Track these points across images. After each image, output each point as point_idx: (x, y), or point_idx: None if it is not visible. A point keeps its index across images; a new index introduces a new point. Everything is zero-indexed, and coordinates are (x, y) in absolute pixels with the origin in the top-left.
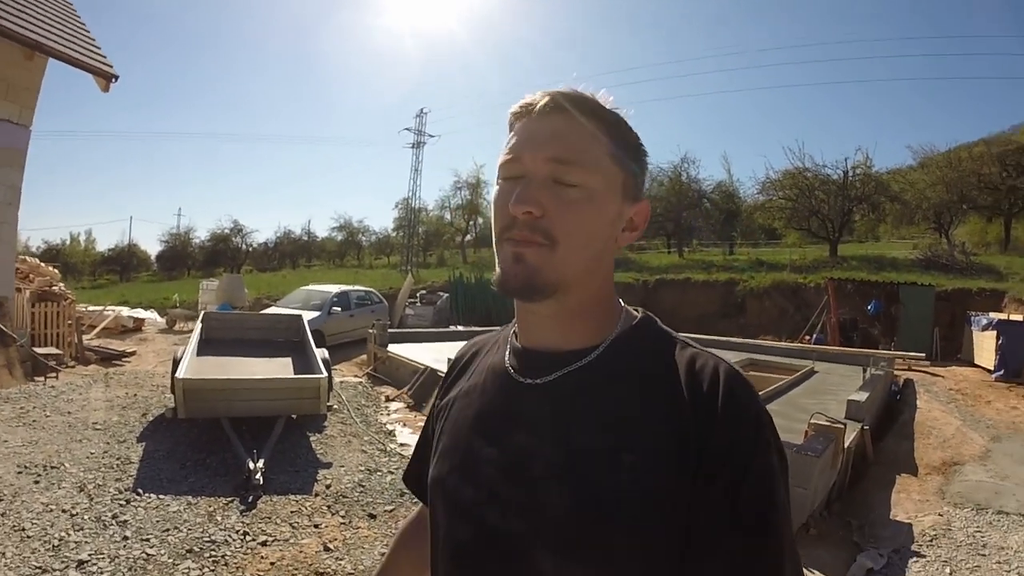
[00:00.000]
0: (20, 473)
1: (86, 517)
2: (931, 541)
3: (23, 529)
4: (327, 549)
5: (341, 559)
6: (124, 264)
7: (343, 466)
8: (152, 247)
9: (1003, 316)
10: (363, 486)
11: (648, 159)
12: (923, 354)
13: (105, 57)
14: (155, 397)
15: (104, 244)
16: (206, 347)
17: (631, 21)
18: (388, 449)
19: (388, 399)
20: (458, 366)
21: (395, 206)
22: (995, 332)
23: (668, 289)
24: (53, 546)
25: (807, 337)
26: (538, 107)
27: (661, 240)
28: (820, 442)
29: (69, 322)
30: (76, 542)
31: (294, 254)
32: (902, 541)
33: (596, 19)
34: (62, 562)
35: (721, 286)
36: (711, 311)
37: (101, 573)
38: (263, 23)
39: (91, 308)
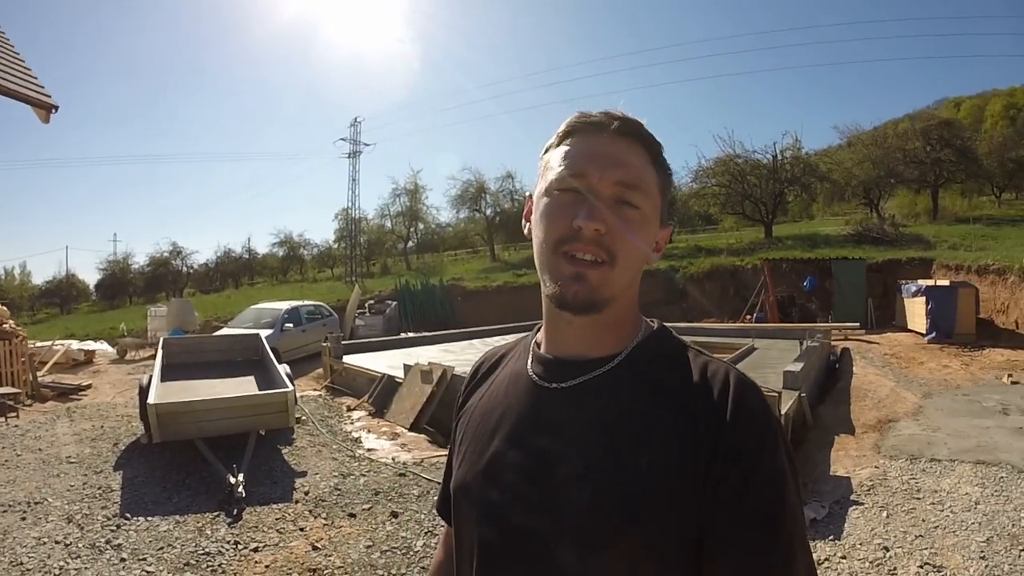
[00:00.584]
0: (5, 511)
1: (80, 545)
2: (869, 490)
3: (21, 564)
4: (315, 548)
5: (330, 555)
6: (63, 296)
7: (317, 473)
8: (91, 276)
9: (930, 282)
10: (339, 489)
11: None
12: (857, 324)
13: (43, 88)
14: (122, 427)
15: (40, 276)
16: (169, 372)
17: (558, 16)
18: (357, 455)
19: (349, 408)
20: (478, 375)
21: (335, 217)
22: (924, 298)
23: None
24: (54, 575)
25: (748, 317)
26: (609, 129)
27: None
28: (734, 366)
29: (22, 359)
30: (76, 569)
31: (236, 273)
32: (842, 493)
33: (520, 17)
34: None
35: (662, 274)
36: (654, 299)
37: None
38: (189, 43)
39: (39, 344)
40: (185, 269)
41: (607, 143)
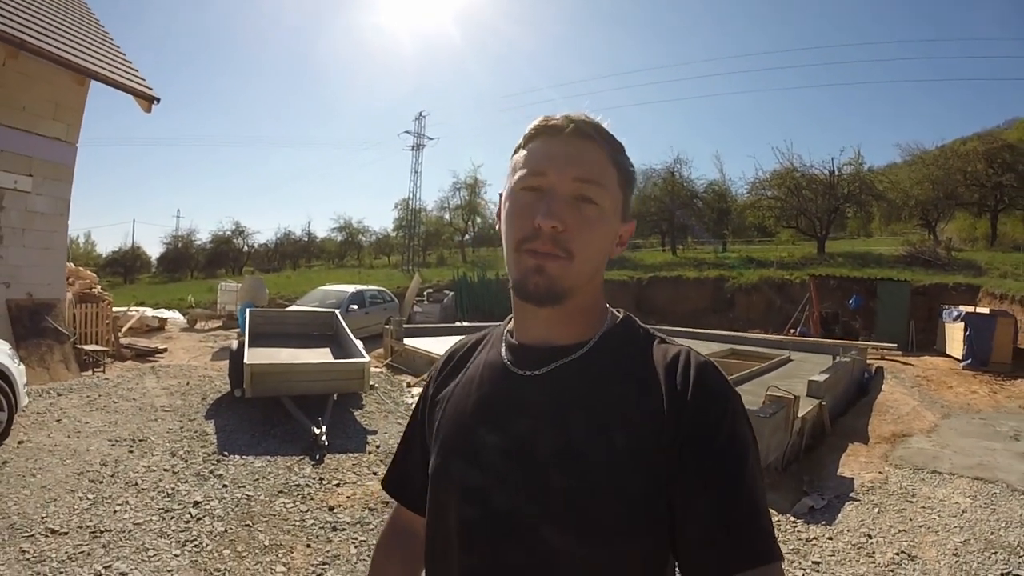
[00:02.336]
0: (114, 445)
1: (187, 473)
2: (868, 491)
3: (136, 484)
4: None
5: None
6: (128, 266)
7: (386, 432)
8: (153, 249)
9: (970, 309)
10: None
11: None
12: (895, 345)
13: (144, 80)
14: (206, 384)
15: (104, 247)
16: (255, 340)
17: (627, 25)
18: None
19: (409, 384)
20: (451, 362)
21: (394, 207)
22: (963, 324)
23: (661, 286)
24: (167, 494)
25: (791, 330)
26: (566, 131)
27: (656, 238)
28: (771, 408)
29: (107, 322)
30: (185, 491)
31: (295, 255)
32: (843, 490)
33: (591, 22)
34: (180, 504)
35: (711, 283)
36: (702, 306)
37: (214, 509)
38: (262, 28)
39: (116, 309)
40: (246, 248)
41: (566, 143)
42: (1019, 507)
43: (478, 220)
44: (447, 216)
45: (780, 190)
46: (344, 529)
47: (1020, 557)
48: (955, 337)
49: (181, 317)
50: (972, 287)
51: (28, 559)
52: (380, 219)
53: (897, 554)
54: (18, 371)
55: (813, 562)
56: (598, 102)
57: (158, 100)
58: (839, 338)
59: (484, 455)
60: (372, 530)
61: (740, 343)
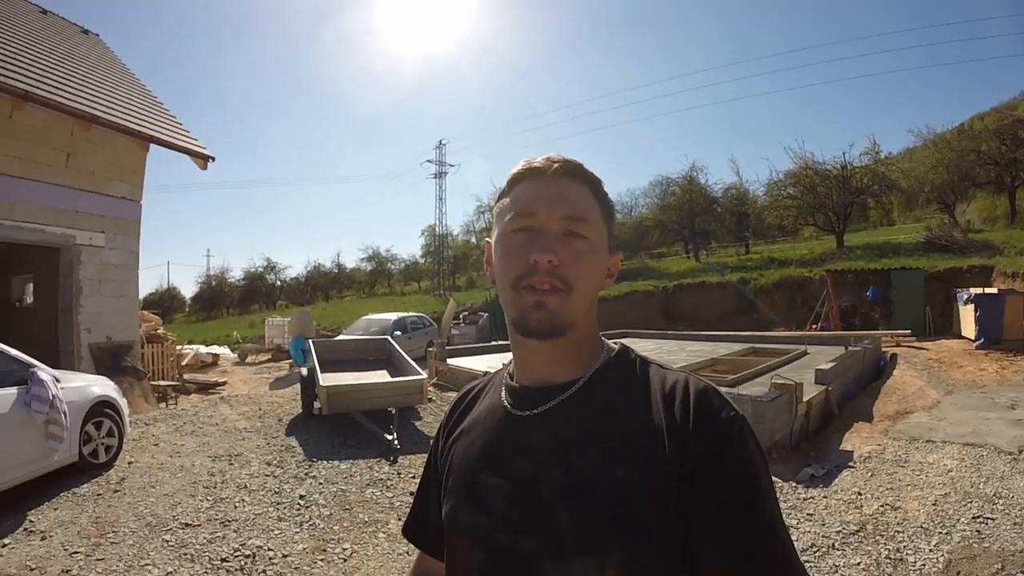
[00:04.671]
0: (214, 461)
1: (285, 476)
2: (865, 460)
3: (245, 487)
4: None
5: None
6: (165, 307)
7: None
8: (187, 288)
9: (979, 290)
10: None
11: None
12: (909, 331)
13: (197, 140)
14: (276, 409)
15: (142, 289)
16: (322, 367)
17: (631, 46)
18: None
19: None
20: (457, 410)
21: (421, 233)
22: (973, 305)
23: (686, 293)
24: (275, 491)
25: (813, 326)
26: (549, 172)
27: (679, 246)
28: (774, 393)
29: (171, 359)
30: (289, 489)
31: (326, 287)
32: (843, 461)
33: (598, 39)
34: (287, 498)
35: (732, 286)
36: (727, 309)
37: (317, 500)
38: (280, 71)
39: None
40: (278, 283)
41: (551, 183)
42: (1002, 465)
43: None
44: (473, 239)
45: (796, 188)
46: None
47: (994, 504)
48: (968, 319)
49: (231, 353)
50: (986, 268)
51: (172, 546)
52: (408, 246)
53: (881, 506)
54: (123, 404)
55: (807, 514)
56: (604, 120)
57: (213, 159)
58: (860, 329)
59: (489, 499)
60: None
61: (760, 341)
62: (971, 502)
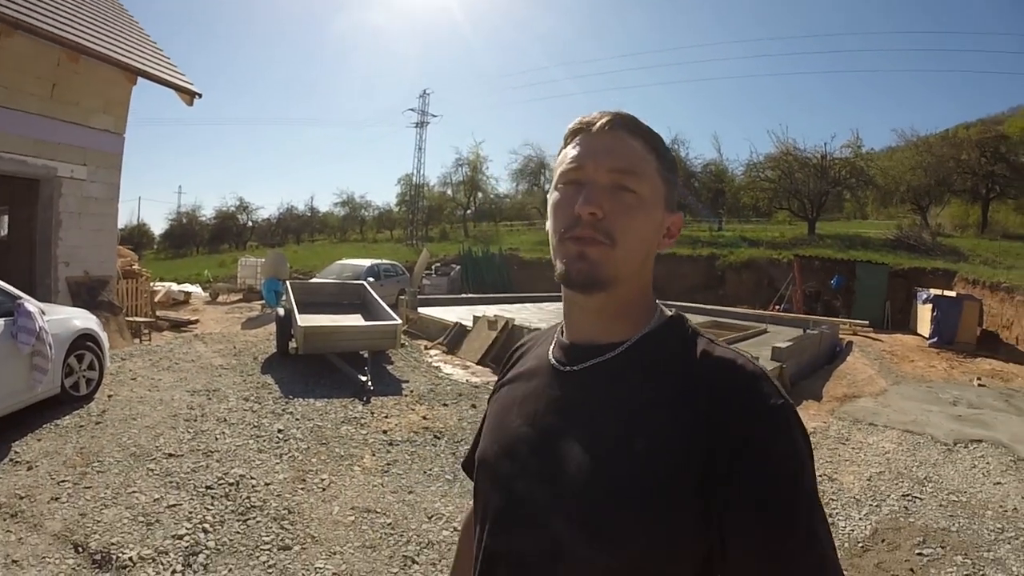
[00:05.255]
0: (193, 395)
1: (264, 412)
2: (810, 434)
3: (225, 420)
4: (424, 418)
5: (435, 422)
6: (135, 243)
7: (416, 382)
8: (157, 225)
9: (939, 292)
10: (433, 391)
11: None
12: (866, 322)
13: (185, 76)
14: (251, 348)
15: None
16: (299, 308)
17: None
18: (440, 375)
19: (427, 347)
20: (513, 359)
21: (398, 182)
22: (931, 305)
23: (657, 263)
24: (254, 425)
25: (776, 307)
26: (597, 125)
27: None
28: (748, 355)
29: (145, 296)
30: (268, 423)
31: (298, 229)
32: None
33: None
34: (266, 432)
35: (704, 260)
36: (696, 283)
37: (295, 434)
38: (263, 5)
39: None
40: (249, 223)
41: (602, 137)
42: (937, 453)
43: (479, 195)
44: (449, 191)
45: (774, 172)
46: (398, 444)
47: (923, 487)
48: (925, 318)
49: (202, 292)
50: (949, 272)
51: (157, 474)
52: (383, 194)
53: (819, 476)
54: (104, 338)
55: None
56: (594, 83)
57: (200, 95)
58: (820, 315)
59: (517, 447)
60: (419, 445)
61: (724, 316)
62: (903, 482)
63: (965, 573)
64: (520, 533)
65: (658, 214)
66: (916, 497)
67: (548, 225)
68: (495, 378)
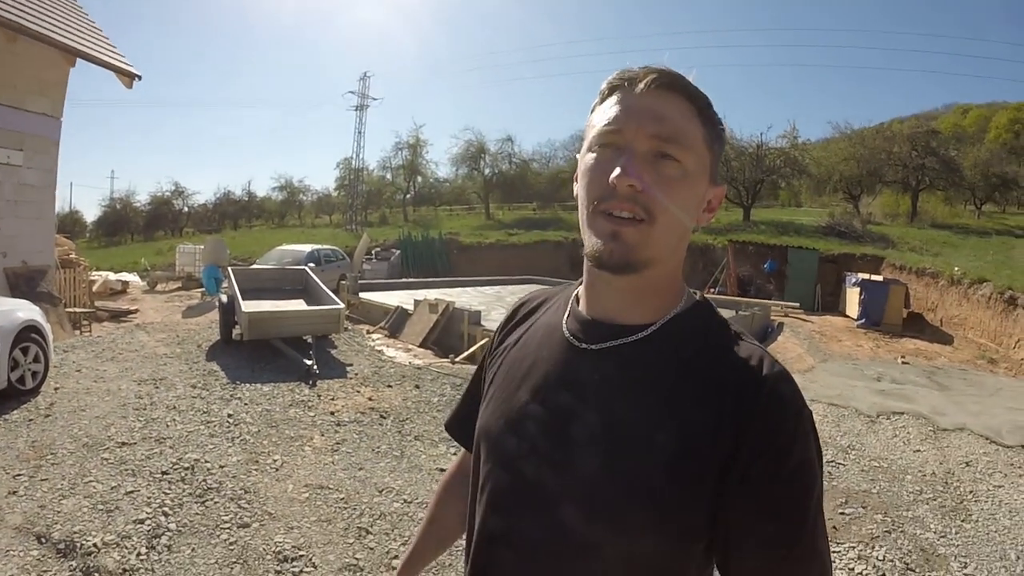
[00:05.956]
0: (140, 384)
1: (212, 399)
2: None
3: (175, 407)
4: (370, 400)
5: (380, 403)
6: (68, 231)
7: (360, 365)
8: (89, 212)
9: (867, 276)
10: (377, 373)
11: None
12: (797, 304)
13: (124, 57)
14: (195, 336)
15: None
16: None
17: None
18: (383, 358)
19: (369, 332)
20: (516, 316)
21: (336, 166)
22: (859, 288)
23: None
24: (203, 411)
25: (711, 289)
26: (642, 83)
27: None
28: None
29: (83, 286)
30: (217, 408)
31: (235, 215)
32: None
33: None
34: (216, 417)
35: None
36: None
37: (244, 419)
38: None
39: None
40: (185, 209)
41: (644, 97)
42: (860, 424)
43: (419, 180)
44: (389, 176)
45: None
46: (345, 425)
47: (847, 454)
48: (853, 300)
49: (140, 280)
50: (877, 258)
51: (112, 463)
52: (322, 179)
53: None
54: (48, 329)
55: None
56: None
57: (140, 77)
58: (753, 297)
59: (524, 424)
60: (366, 425)
61: None
62: (826, 450)
63: (885, 529)
64: (526, 516)
65: (701, 187)
66: (840, 463)
67: (577, 191)
68: (436, 360)
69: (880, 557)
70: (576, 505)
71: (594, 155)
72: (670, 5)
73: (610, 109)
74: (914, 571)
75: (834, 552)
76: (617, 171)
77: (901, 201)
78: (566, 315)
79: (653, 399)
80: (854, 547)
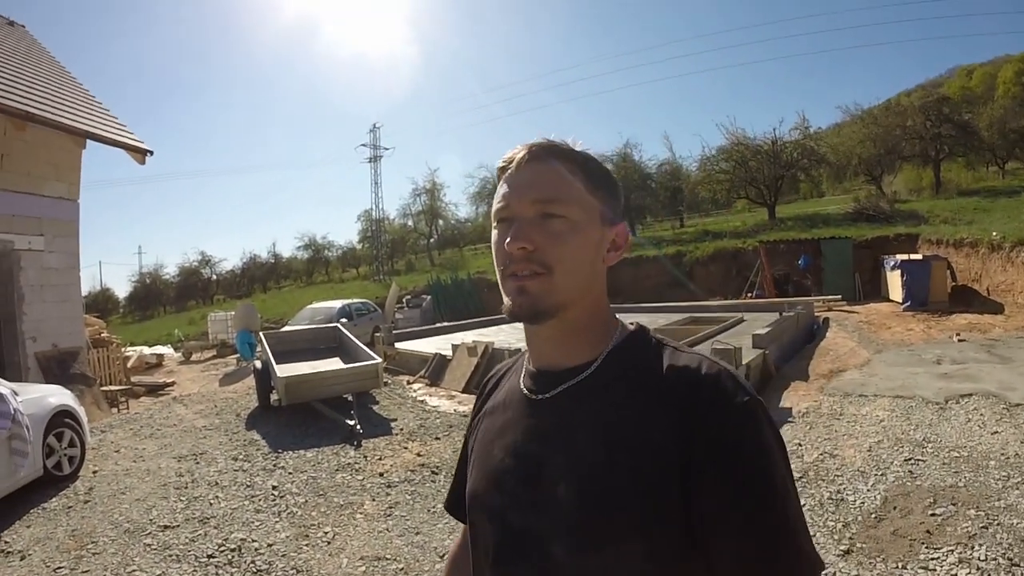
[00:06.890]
0: (180, 461)
1: (255, 470)
2: (803, 415)
3: (216, 483)
4: (418, 456)
5: (430, 458)
6: (100, 309)
7: (404, 419)
8: (120, 288)
9: (905, 257)
10: (423, 426)
11: (621, 186)
12: (839, 296)
13: (134, 135)
14: (232, 405)
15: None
16: (276, 358)
17: (561, 27)
18: (427, 408)
19: (409, 382)
20: (485, 390)
21: (357, 218)
22: (900, 271)
23: (624, 267)
24: (247, 485)
25: (748, 295)
26: (516, 160)
27: None
28: (714, 358)
29: (118, 363)
30: (260, 481)
31: (263, 278)
32: (782, 417)
33: (530, 25)
34: (261, 491)
35: (670, 259)
36: (663, 282)
37: (290, 489)
38: (207, 59)
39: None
40: (214, 277)
41: (523, 172)
42: (930, 414)
43: (440, 223)
44: (410, 222)
45: (728, 163)
46: (396, 486)
47: (923, 448)
48: (895, 284)
49: (174, 352)
50: (912, 236)
51: (155, 549)
52: (345, 233)
53: (821, 454)
54: (82, 412)
55: None
56: (538, 100)
57: (151, 152)
58: (792, 295)
59: (503, 479)
60: (418, 483)
61: (699, 311)
62: (903, 447)
63: (981, 525)
64: (522, 564)
65: (594, 232)
66: (919, 460)
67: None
68: None
69: (982, 557)
70: (563, 542)
71: (495, 231)
72: (670, 12)
73: (500, 190)
74: (1020, 566)
75: (932, 559)
76: (508, 239)
77: (923, 174)
78: (522, 375)
79: (609, 426)
80: (952, 550)
